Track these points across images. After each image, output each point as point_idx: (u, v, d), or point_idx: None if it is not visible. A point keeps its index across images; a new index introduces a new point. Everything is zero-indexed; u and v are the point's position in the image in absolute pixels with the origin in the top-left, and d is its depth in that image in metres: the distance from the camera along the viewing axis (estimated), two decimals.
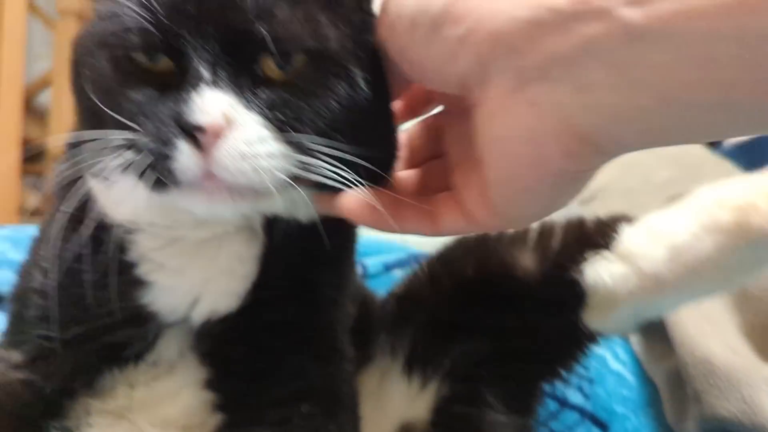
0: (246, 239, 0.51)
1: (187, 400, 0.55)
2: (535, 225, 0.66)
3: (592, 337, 0.64)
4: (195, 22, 0.42)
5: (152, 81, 0.44)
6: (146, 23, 0.42)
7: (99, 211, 0.49)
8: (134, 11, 0.43)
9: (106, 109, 0.44)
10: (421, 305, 0.68)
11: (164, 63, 0.44)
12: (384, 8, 0.46)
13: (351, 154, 0.45)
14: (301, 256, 0.53)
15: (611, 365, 0.77)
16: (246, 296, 0.52)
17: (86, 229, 0.48)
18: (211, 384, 0.55)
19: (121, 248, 0.50)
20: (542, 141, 0.38)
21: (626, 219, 0.63)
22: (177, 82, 0.43)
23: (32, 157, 2.60)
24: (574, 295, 0.61)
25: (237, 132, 0.42)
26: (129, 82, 0.44)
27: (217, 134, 0.41)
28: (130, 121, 0.43)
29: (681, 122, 0.36)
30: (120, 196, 0.48)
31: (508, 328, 0.64)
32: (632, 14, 0.33)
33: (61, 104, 2.49)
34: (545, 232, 0.65)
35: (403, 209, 0.47)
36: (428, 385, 0.65)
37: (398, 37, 0.45)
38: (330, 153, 0.44)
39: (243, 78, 0.43)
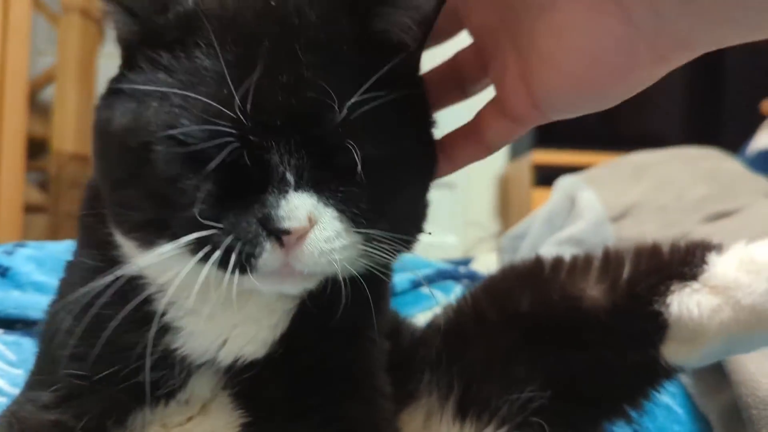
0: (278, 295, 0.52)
1: None
2: (598, 254, 0.63)
3: (668, 373, 0.60)
4: (282, 133, 0.43)
5: (238, 182, 0.44)
6: (225, 131, 0.42)
7: (128, 264, 0.49)
8: (207, 117, 0.42)
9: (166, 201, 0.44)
10: (468, 343, 0.65)
11: (252, 169, 0.44)
12: None
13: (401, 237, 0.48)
14: (336, 305, 0.51)
15: (660, 398, 0.74)
16: (274, 344, 0.52)
17: (113, 281, 0.47)
18: (248, 427, 0.53)
19: (150, 297, 0.50)
20: (635, 50, 0.37)
21: (708, 246, 0.59)
22: (256, 183, 0.43)
23: (35, 153, 2.58)
24: (655, 327, 0.57)
25: (318, 231, 0.44)
26: (209, 182, 0.44)
27: (303, 235, 0.43)
28: (208, 217, 0.43)
29: (742, 12, 0.35)
30: (164, 265, 0.46)
31: (572, 367, 0.60)
32: None
33: (64, 100, 2.47)
34: (611, 260, 0.61)
35: (450, 145, 0.51)
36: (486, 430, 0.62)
37: None
38: (390, 242, 0.47)
39: (323, 176, 0.45)
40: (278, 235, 0.43)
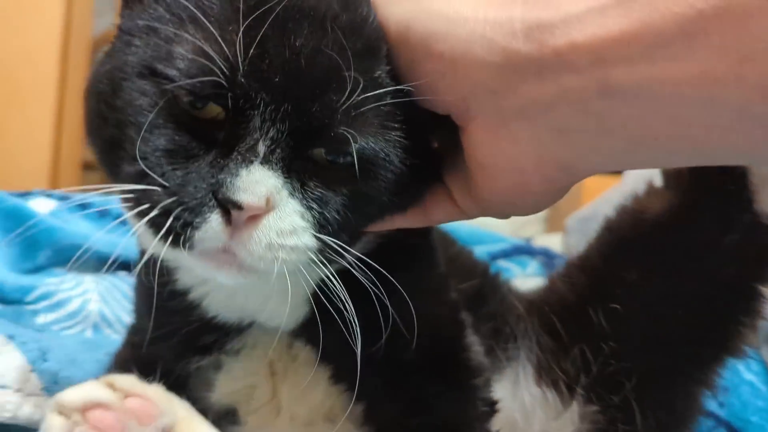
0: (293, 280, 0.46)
1: (320, 394, 0.56)
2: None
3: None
4: (277, 93, 0.38)
5: (194, 128, 0.39)
6: (219, 72, 0.37)
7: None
8: (206, 53, 0.37)
9: (130, 151, 0.40)
10: (558, 313, 0.65)
11: (213, 112, 0.39)
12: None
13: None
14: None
15: (745, 376, 0.77)
16: (306, 317, 0.51)
17: (141, 262, 0.45)
18: (335, 379, 0.55)
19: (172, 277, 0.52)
20: (523, 170, 0.41)
21: None
22: (225, 143, 0.39)
23: None
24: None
25: (273, 219, 0.39)
26: (169, 122, 0.39)
27: (255, 217, 0.38)
28: (155, 169, 0.38)
29: (648, 159, 0.40)
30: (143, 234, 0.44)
31: (665, 314, 0.59)
32: (606, 72, 0.35)
33: None
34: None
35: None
36: (572, 404, 0.62)
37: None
38: (349, 253, 0.42)
39: (298, 161, 0.40)
40: (227, 207, 0.37)
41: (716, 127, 0.34)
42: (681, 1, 0.32)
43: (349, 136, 0.39)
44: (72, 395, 0.41)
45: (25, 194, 0.94)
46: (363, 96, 0.39)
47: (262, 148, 0.38)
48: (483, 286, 0.69)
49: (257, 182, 0.38)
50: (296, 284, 0.44)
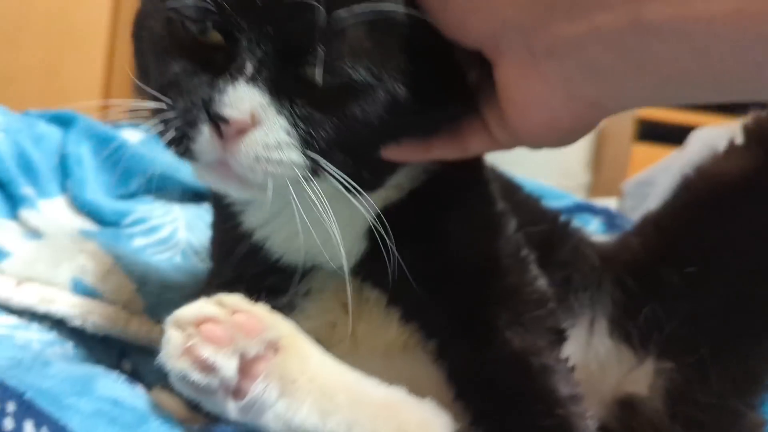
0: (347, 216, 0.50)
1: (394, 331, 0.58)
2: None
3: None
4: (257, 17, 0.41)
5: (199, 54, 0.43)
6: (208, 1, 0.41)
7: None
8: None
9: (152, 73, 0.45)
10: (633, 268, 0.66)
11: (215, 39, 0.43)
12: None
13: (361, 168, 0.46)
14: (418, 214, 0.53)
15: None
16: (362, 254, 0.55)
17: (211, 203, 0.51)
18: (405, 319, 0.58)
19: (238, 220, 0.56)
20: (554, 107, 0.42)
21: None
22: (221, 65, 0.42)
23: None
24: None
25: (259, 133, 0.42)
26: (176, 50, 0.44)
27: (241, 130, 0.42)
28: (166, 91, 0.43)
29: (677, 94, 0.40)
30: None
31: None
32: (639, 9, 0.35)
33: None
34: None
35: (432, 139, 0.50)
36: (646, 359, 0.63)
37: None
38: (340, 172, 0.44)
39: (286, 81, 0.42)
40: (216, 121, 0.41)
41: (749, 62, 0.35)
42: None
43: (322, 52, 0.41)
44: (186, 312, 0.45)
45: (115, 125, 0.98)
46: (345, 15, 0.40)
47: (249, 68, 0.41)
48: (553, 233, 0.69)
49: (241, 98, 0.41)
50: (350, 220, 0.50)
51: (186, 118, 0.42)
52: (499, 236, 0.58)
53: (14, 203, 0.68)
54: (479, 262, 0.55)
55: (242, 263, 0.58)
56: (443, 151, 0.50)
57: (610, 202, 1.48)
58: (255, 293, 0.55)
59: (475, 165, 0.57)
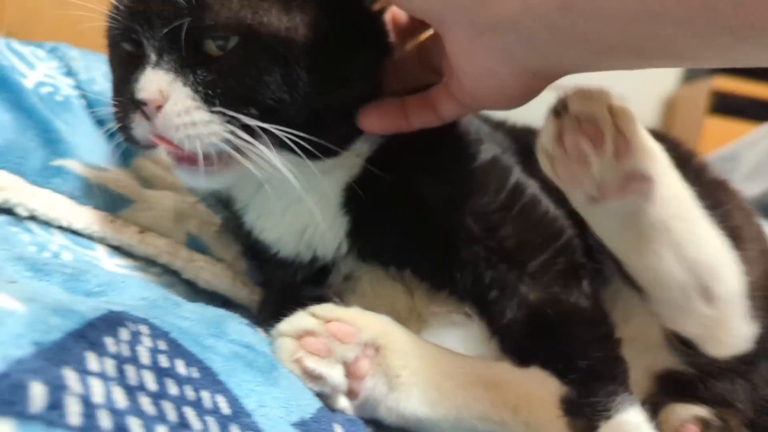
0: (317, 199, 0.57)
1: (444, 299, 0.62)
2: None
3: None
4: (143, 17, 0.50)
5: (128, 63, 0.53)
6: (113, 20, 0.53)
7: None
8: (110, 12, 0.53)
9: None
10: None
11: (135, 48, 0.52)
12: None
13: (292, 124, 0.50)
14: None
15: None
16: (350, 237, 0.60)
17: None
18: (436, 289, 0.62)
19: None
20: (500, 77, 0.46)
21: None
22: (140, 65, 0.51)
23: None
24: None
25: (170, 105, 0.49)
26: (116, 63, 0.56)
27: (157, 107, 0.49)
28: (115, 95, 0.55)
29: (611, 64, 0.43)
30: None
31: None
32: None
33: None
34: None
35: (409, 109, 0.54)
36: None
37: None
38: (267, 126, 0.50)
39: (188, 59, 0.50)
40: (139, 106, 0.50)
41: (661, 37, 0.38)
42: None
43: (188, 22, 0.49)
44: (287, 327, 0.50)
45: None
46: None
47: (152, 58, 0.50)
48: None
49: (149, 81, 0.50)
50: (322, 194, 0.57)
51: (122, 111, 0.53)
52: (492, 188, 0.59)
53: (128, 152, 0.70)
54: (473, 218, 0.57)
55: (263, 264, 0.66)
56: (421, 119, 0.54)
57: None
58: (292, 293, 0.61)
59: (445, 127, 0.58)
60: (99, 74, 0.77)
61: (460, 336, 0.58)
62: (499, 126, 0.73)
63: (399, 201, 0.58)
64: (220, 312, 0.51)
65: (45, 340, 0.34)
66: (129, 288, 0.52)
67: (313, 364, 0.47)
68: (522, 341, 0.55)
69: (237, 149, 0.50)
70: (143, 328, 0.41)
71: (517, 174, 0.60)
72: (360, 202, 0.58)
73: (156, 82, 0.50)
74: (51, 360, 0.32)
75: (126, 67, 0.53)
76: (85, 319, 0.37)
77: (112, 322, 0.39)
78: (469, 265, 0.58)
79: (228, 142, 0.50)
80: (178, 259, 0.62)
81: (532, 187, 0.60)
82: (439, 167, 0.59)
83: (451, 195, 0.58)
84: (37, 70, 0.72)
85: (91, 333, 0.37)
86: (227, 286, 0.65)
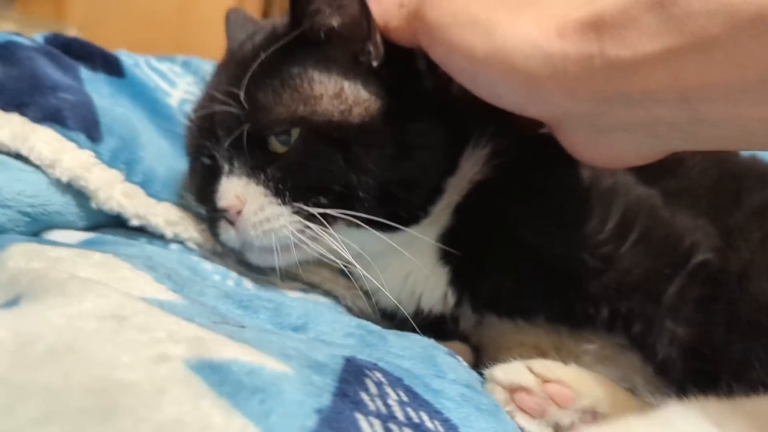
0: (415, 254, 0.56)
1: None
2: None
3: None
4: (210, 133, 0.55)
5: (209, 174, 0.56)
6: (187, 137, 0.59)
7: None
8: (185, 128, 0.59)
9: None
10: None
11: (210, 162, 0.56)
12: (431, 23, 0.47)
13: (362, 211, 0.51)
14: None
15: None
16: (454, 293, 0.57)
17: None
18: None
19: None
20: (624, 158, 0.47)
21: None
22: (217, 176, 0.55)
23: None
24: None
25: (248, 206, 0.52)
26: (198, 173, 0.59)
27: (237, 212, 0.53)
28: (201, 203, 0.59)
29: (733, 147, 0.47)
30: None
31: None
32: (695, 108, 0.39)
33: None
34: None
35: None
36: None
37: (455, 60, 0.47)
38: (333, 213, 0.51)
39: (257, 160, 0.53)
40: (223, 215, 0.54)
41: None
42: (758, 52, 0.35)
43: (248, 127, 0.52)
44: (500, 376, 0.47)
45: None
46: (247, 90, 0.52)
47: (225, 167, 0.54)
48: None
49: (226, 189, 0.53)
50: (416, 252, 0.55)
51: (210, 221, 0.56)
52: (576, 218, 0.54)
53: None
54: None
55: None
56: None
57: None
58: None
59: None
60: None
61: (618, 369, 0.54)
62: None
63: (498, 244, 0.55)
64: (424, 343, 0.49)
65: (322, 405, 0.32)
66: (322, 316, 0.50)
67: (524, 422, 0.45)
68: (684, 383, 0.50)
69: (311, 237, 0.52)
70: (379, 376, 0.39)
71: (627, 193, 0.54)
72: (458, 250, 0.56)
73: (232, 189, 0.53)
74: (336, 429, 0.31)
75: (206, 178, 0.56)
76: (336, 374, 0.35)
77: (355, 373, 0.37)
78: (601, 299, 0.52)
79: (300, 231, 0.52)
80: (339, 286, 0.62)
81: (650, 203, 0.54)
82: (533, 201, 0.55)
83: (549, 230, 0.54)
84: (179, 88, 0.71)
85: (349, 390, 0.35)
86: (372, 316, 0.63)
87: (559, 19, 0.41)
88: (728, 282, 0.51)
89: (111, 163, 0.56)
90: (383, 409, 0.35)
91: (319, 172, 0.52)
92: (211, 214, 0.56)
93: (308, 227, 0.51)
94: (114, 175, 0.56)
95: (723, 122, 0.39)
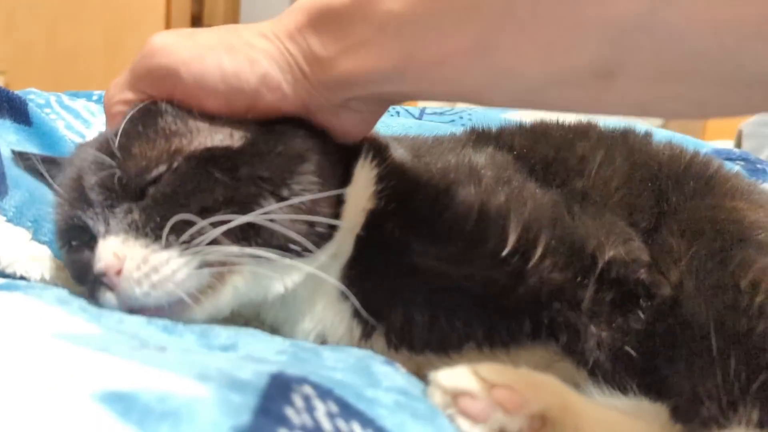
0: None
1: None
2: None
3: None
4: (81, 200, 0.50)
5: (86, 255, 0.50)
6: (57, 221, 0.53)
7: None
8: (53, 216, 0.53)
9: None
10: None
11: (83, 238, 0.51)
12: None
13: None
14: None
15: None
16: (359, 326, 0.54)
17: None
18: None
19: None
20: (363, 127, 0.57)
21: None
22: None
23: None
24: None
25: (127, 263, 0.46)
26: (76, 266, 0.52)
27: (117, 271, 0.46)
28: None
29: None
30: None
31: None
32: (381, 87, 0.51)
33: None
34: None
35: None
36: None
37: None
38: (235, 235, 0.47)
39: (125, 212, 0.48)
40: (100, 279, 0.47)
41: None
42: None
43: (122, 176, 0.49)
44: (445, 381, 0.44)
45: None
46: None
47: (99, 230, 0.49)
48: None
49: (102, 250, 0.47)
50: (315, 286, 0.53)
51: (91, 291, 0.49)
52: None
53: None
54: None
55: None
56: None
57: (724, 146, 1.43)
58: None
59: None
60: None
61: (560, 375, 0.51)
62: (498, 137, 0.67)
63: (400, 274, 0.53)
64: (359, 354, 0.48)
65: (240, 423, 0.30)
66: (254, 336, 0.48)
67: (466, 427, 0.43)
68: (620, 381, 0.50)
69: (220, 264, 0.47)
70: (308, 389, 0.37)
71: (523, 207, 0.53)
72: (359, 281, 0.53)
73: (109, 248, 0.47)
74: None
75: (82, 256, 0.51)
76: (259, 391, 0.34)
77: (281, 388, 0.36)
78: (521, 313, 0.52)
79: (203, 265, 0.47)
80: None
81: (552, 214, 0.54)
82: (425, 229, 0.53)
83: (449, 253, 0.52)
84: (94, 127, 0.69)
85: (272, 406, 0.33)
86: None
87: (272, 30, 0.52)
88: (638, 276, 0.51)
89: (16, 219, 0.53)
90: (309, 423, 0.34)
91: (200, 191, 0.48)
92: (89, 286, 0.49)
93: (206, 255, 0.46)
94: (19, 234, 0.53)
95: (398, 93, 0.52)
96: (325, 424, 0.35)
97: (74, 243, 0.52)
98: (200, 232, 0.46)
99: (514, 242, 0.51)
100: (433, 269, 0.52)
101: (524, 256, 0.51)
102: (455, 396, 0.44)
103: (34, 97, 0.67)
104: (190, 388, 0.31)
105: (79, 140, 0.65)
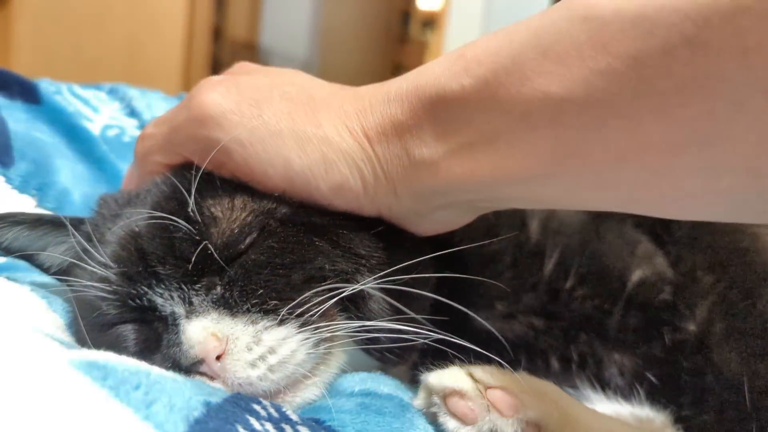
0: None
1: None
2: None
3: None
4: (145, 273, 0.42)
5: (142, 342, 0.43)
6: (103, 303, 0.42)
7: None
8: (96, 295, 0.42)
9: None
10: None
11: (140, 323, 0.43)
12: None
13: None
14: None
15: None
16: None
17: None
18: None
19: None
20: (446, 226, 0.47)
21: None
22: (156, 326, 0.42)
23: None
24: None
25: (231, 344, 0.39)
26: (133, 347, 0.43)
27: (218, 356, 0.39)
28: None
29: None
30: None
31: None
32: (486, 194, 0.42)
33: None
34: None
35: None
36: None
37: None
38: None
39: (215, 285, 0.41)
40: (190, 369, 0.39)
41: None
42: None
43: (213, 249, 0.42)
44: (436, 383, 0.42)
45: None
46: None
47: (179, 311, 0.41)
48: None
49: (194, 332, 0.40)
50: None
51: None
52: None
53: None
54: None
55: None
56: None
57: None
58: None
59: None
60: (161, 112, 0.76)
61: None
62: None
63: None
64: (397, 411, 0.44)
65: (212, 400, 0.32)
66: None
67: (452, 425, 0.41)
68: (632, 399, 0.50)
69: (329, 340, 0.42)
70: (271, 410, 0.37)
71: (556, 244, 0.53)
72: None
73: (201, 329, 0.40)
74: (223, 419, 0.31)
75: (145, 345, 0.42)
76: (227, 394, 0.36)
77: (247, 398, 0.37)
78: (551, 351, 0.51)
79: (320, 342, 0.42)
80: None
81: (586, 246, 0.53)
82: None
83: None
84: (102, 113, 0.72)
85: (241, 401, 0.35)
86: None
87: (360, 123, 0.42)
88: (663, 297, 0.51)
89: (22, 188, 0.55)
90: (275, 414, 0.36)
91: (297, 257, 0.43)
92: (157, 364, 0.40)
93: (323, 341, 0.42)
94: (25, 202, 0.55)
95: (523, 200, 0.44)
96: (293, 415, 0.37)
97: (135, 324, 0.43)
98: (307, 302, 0.41)
99: (551, 271, 0.51)
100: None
101: (557, 290, 0.51)
102: (445, 396, 0.42)
103: (47, 85, 0.70)
104: (167, 373, 0.34)
105: (87, 124, 0.67)
